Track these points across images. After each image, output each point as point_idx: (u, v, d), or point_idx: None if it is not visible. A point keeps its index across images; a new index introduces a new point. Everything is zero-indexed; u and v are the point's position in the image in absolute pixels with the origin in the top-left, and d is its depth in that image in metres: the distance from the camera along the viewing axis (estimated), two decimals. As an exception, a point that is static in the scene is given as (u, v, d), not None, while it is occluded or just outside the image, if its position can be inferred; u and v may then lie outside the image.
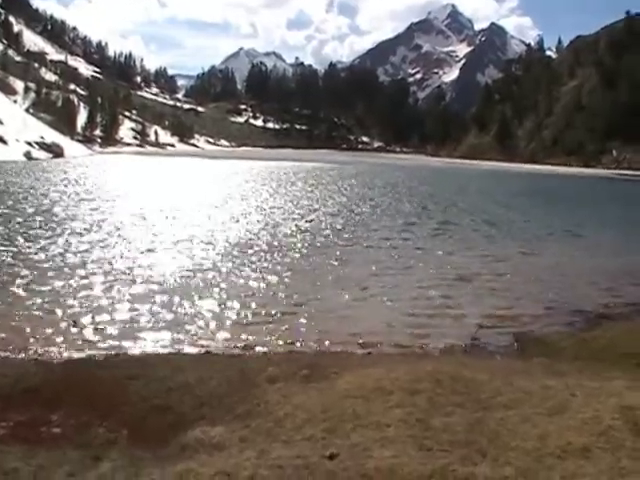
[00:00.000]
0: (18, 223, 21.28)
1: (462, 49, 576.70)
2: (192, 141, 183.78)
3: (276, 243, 19.55)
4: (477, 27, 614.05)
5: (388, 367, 7.48)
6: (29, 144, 75.18)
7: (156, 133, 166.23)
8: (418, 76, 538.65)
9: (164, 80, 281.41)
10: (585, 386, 6.77)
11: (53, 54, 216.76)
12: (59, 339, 9.50)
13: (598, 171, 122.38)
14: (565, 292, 14.36)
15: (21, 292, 12.13)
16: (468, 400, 6.27)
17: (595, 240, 24.27)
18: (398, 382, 6.70)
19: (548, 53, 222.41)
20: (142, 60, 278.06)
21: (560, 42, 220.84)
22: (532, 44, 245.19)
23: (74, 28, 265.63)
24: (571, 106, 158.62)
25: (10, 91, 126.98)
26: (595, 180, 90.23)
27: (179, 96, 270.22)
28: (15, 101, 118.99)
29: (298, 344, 9.77)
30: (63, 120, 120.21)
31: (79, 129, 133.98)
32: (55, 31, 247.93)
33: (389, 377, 6.92)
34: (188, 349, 9.40)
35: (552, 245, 22.27)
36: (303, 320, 11.20)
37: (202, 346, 9.51)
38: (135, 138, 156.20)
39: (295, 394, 6.68)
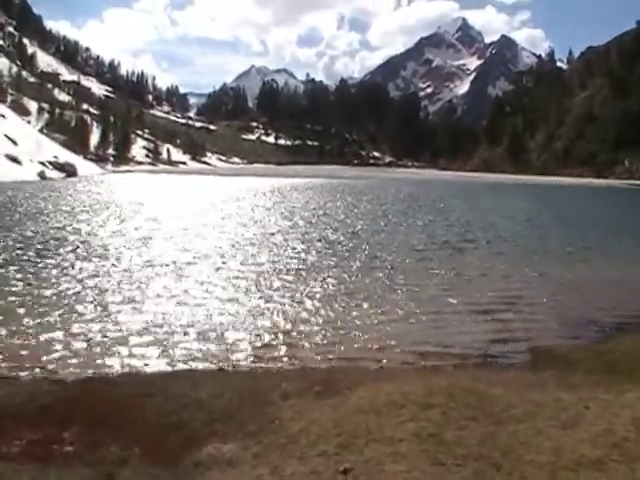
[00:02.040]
0: (30, 242, 21.40)
1: (473, 62, 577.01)
2: (204, 159, 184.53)
3: (286, 258, 19.57)
4: (488, 40, 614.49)
5: (401, 381, 7.47)
6: (43, 164, 75.65)
7: (168, 151, 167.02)
8: (429, 90, 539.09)
9: (176, 98, 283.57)
10: (598, 399, 6.74)
11: (66, 75, 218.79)
12: (73, 357, 9.54)
13: (611, 182, 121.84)
14: (579, 305, 14.28)
15: (35, 310, 12.17)
16: (481, 414, 6.25)
17: (610, 252, 24.14)
18: (411, 396, 6.69)
19: (559, 64, 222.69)
20: (154, 79, 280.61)
21: (571, 53, 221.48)
22: (543, 56, 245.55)
23: (87, 49, 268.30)
24: (582, 117, 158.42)
25: (24, 112, 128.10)
26: (609, 190, 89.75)
27: (191, 114, 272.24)
28: (29, 122, 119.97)
29: (311, 360, 9.76)
30: (76, 140, 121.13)
31: (92, 148, 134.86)
32: (68, 52, 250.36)
33: (402, 391, 6.90)
34: (201, 366, 9.40)
35: (565, 258, 22.15)
36: (316, 335, 11.19)
37: (216, 363, 9.52)
38: (147, 157, 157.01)
39: (308, 410, 6.68)
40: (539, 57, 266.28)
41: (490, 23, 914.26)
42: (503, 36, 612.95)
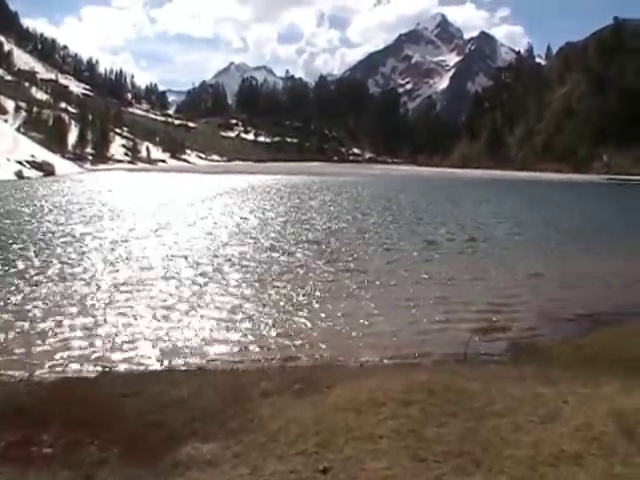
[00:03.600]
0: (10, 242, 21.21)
1: (452, 58, 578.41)
2: (184, 157, 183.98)
3: (266, 255, 19.55)
4: (467, 36, 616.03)
5: (381, 379, 7.46)
6: (20, 163, 75.07)
7: (147, 149, 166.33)
8: (408, 86, 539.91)
9: (155, 96, 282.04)
10: (577, 393, 6.78)
11: (44, 73, 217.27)
12: (51, 357, 9.46)
13: (592, 177, 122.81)
14: (558, 299, 14.39)
15: (10, 311, 12.07)
16: (461, 409, 6.25)
17: (590, 245, 24.34)
18: (391, 393, 6.68)
19: (538, 60, 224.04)
20: (132, 77, 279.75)
21: (549, 49, 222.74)
22: (522, 52, 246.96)
23: (64, 47, 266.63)
24: (561, 112, 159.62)
25: (1, 110, 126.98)
26: (588, 185, 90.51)
27: (170, 112, 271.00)
28: (6, 120, 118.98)
29: (291, 358, 9.74)
30: (54, 138, 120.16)
31: (70, 147, 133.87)
32: (45, 50, 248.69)
33: (382, 389, 6.90)
34: (181, 365, 9.37)
35: (543, 251, 22.30)
36: (296, 334, 11.18)
37: (195, 362, 9.49)
38: (126, 155, 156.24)
39: (288, 408, 6.66)
40: (518, 53, 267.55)
41: (470, 20, 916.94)
42: (482, 32, 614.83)
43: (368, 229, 27.78)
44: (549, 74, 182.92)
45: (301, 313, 12.62)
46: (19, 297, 13.34)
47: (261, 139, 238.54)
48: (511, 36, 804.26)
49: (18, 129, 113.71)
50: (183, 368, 9.17)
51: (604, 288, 15.89)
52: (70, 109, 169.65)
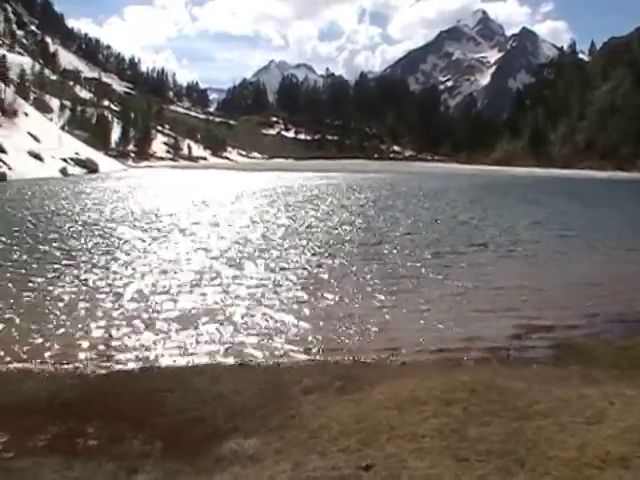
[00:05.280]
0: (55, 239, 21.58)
1: (493, 55, 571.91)
2: (225, 154, 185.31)
3: (312, 253, 19.57)
4: (509, 33, 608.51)
5: (422, 377, 7.43)
6: (64, 160, 76.29)
7: (189, 147, 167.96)
8: (449, 83, 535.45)
9: (196, 94, 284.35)
10: (623, 394, 6.65)
11: (87, 72, 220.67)
12: (95, 352, 9.58)
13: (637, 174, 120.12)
14: (602, 299, 14.13)
15: (57, 306, 12.25)
16: (504, 409, 6.19)
17: (636, 244, 23.86)
18: (433, 392, 6.65)
19: (581, 56, 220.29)
20: (174, 75, 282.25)
21: (593, 44, 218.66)
22: (564, 48, 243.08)
23: (108, 46, 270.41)
24: (605, 109, 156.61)
25: (46, 109, 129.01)
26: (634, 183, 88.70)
27: (211, 110, 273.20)
28: (51, 119, 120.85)
29: (332, 355, 9.72)
30: (97, 136, 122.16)
31: (113, 144, 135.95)
32: (89, 49, 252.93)
33: (423, 387, 6.87)
34: (223, 361, 9.41)
35: (589, 252, 21.96)
36: (337, 331, 11.16)
37: (237, 358, 9.53)
38: (168, 152, 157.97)
39: (330, 405, 6.66)
40: (560, 49, 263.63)
41: (512, 15, 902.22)
42: (524, 28, 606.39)
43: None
44: (592, 70, 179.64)
45: (344, 310, 12.60)
46: (62, 290, 13.56)
47: (301, 137, 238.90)
48: (554, 32, 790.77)
49: (63, 127, 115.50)
50: (224, 364, 9.22)
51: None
52: (113, 107, 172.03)
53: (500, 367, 8.64)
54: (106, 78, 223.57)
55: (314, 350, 10.05)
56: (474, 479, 4.75)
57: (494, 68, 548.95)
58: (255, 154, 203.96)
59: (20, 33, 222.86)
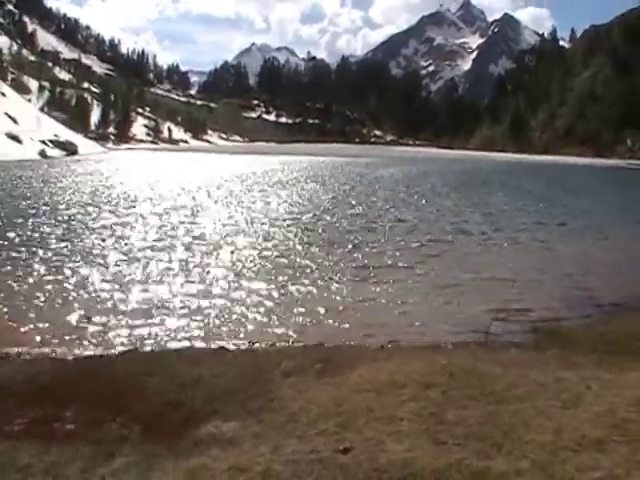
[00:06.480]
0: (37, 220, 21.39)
1: (475, 40, 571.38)
2: (205, 137, 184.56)
3: (292, 238, 19.54)
4: (490, 18, 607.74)
5: (402, 361, 7.45)
6: (43, 142, 75.60)
7: (169, 130, 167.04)
8: (430, 68, 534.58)
9: (177, 76, 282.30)
10: (600, 378, 6.71)
11: (66, 53, 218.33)
12: (73, 336, 9.54)
13: (617, 161, 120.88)
14: (581, 283, 14.26)
15: (34, 289, 12.17)
16: (482, 393, 6.22)
17: (614, 231, 24.06)
18: (412, 376, 6.67)
19: (562, 43, 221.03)
20: (155, 57, 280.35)
21: (574, 32, 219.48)
22: (545, 34, 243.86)
23: (87, 27, 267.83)
24: (585, 96, 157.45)
25: (24, 90, 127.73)
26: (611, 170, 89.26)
27: (192, 92, 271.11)
28: (29, 100, 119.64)
29: (312, 338, 9.72)
30: (77, 118, 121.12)
31: (92, 127, 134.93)
32: (69, 30, 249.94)
33: (403, 371, 6.88)
34: (202, 344, 9.40)
35: (568, 236, 22.12)
36: (317, 314, 11.19)
37: (216, 341, 9.52)
38: (148, 135, 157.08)
39: (309, 389, 6.66)
40: (542, 36, 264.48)
41: (494, 2, 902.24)
42: (506, 14, 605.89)
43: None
44: (573, 57, 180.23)
45: (325, 294, 12.62)
46: (42, 273, 13.47)
47: (282, 120, 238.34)
48: (536, 19, 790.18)
49: (42, 109, 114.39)
50: (203, 348, 9.21)
51: (629, 274, 15.72)
52: (93, 89, 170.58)
53: (479, 351, 8.68)
54: (86, 59, 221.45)
55: (293, 334, 10.07)
56: (452, 462, 4.76)
57: (475, 53, 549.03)
58: (236, 137, 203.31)
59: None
